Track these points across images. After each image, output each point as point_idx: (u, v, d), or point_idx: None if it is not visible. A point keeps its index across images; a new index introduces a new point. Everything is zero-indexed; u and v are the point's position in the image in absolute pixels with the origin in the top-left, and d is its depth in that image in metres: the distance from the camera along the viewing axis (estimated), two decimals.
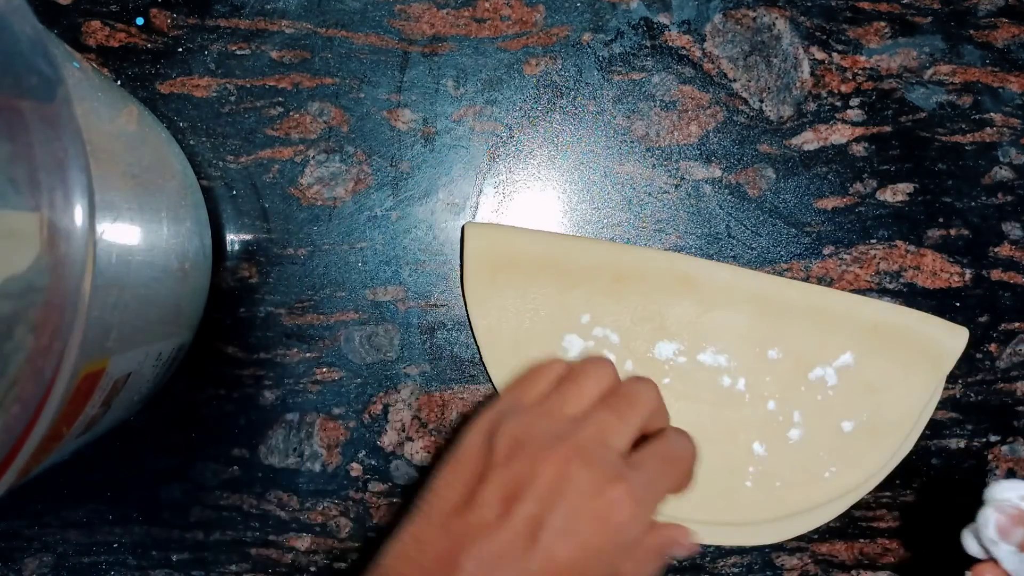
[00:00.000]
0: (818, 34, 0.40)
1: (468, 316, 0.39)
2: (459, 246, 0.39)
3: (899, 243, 0.40)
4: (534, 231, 0.39)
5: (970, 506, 0.40)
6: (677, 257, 0.39)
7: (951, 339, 0.39)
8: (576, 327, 0.39)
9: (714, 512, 0.39)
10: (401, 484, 0.39)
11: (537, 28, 0.40)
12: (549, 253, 0.39)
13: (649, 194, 0.40)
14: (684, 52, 0.40)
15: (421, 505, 0.31)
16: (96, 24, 0.39)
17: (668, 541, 0.32)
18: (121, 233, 0.26)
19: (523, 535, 0.28)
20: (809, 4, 0.40)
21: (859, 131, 0.40)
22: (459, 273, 0.39)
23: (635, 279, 0.39)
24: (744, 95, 0.40)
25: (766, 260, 0.40)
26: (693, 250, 0.40)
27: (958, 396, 0.40)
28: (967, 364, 0.40)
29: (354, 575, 0.39)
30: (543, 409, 0.32)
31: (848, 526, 0.40)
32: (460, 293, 0.39)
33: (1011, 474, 0.40)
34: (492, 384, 0.39)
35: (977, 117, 0.40)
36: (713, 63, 0.40)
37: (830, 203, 0.40)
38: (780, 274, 0.40)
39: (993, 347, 0.40)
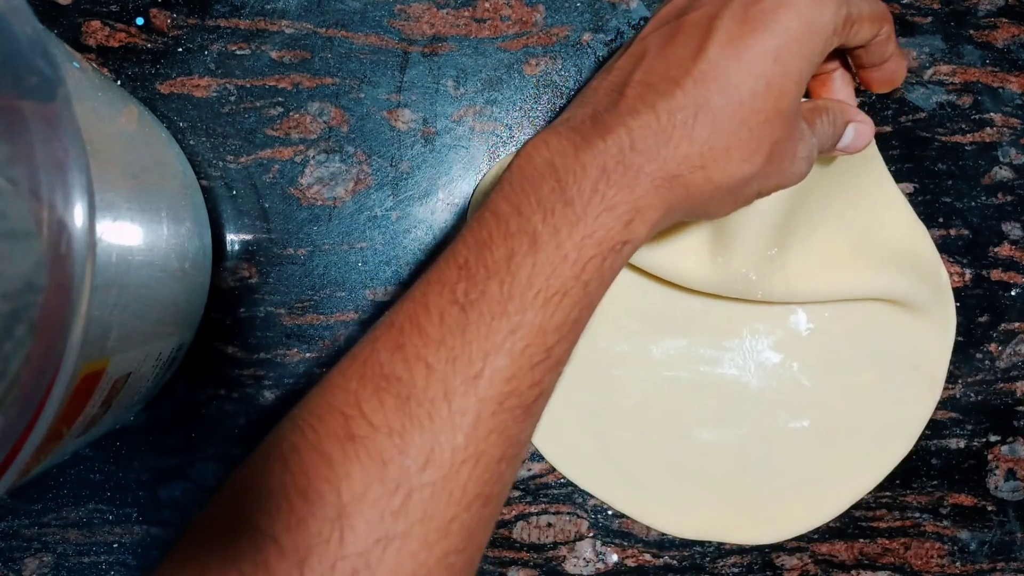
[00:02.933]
0: None
1: None
2: None
3: None
4: None
5: (970, 505, 0.40)
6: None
7: (938, 340, 0.39)
8: None
9: (710, 510, 0.39)
10: None
11: (537, 28, 0.40)
12: None
13: None
14: None
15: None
16: (96, 24, 0.39)
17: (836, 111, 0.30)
18: (121, 233, 0.26)
19: (697, 35, 0.26)
20: None
21: None
22: None
23: (638, 273, 0.39)
24: None
25: None
26: None
27: (958, 396, 0.40)
28: (967, 364, 0.40)
29: None
30: None
31: (848, 526, 0.40)
32: None
33: (1011, 474, 0.40)
34: None
35: (977, 117, 0.40)
36: None
37: None
38: None
39: (993, 347, 0.40)
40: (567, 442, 0.39)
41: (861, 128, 0.31)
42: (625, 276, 0.39)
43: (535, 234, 0.24)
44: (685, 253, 0.36)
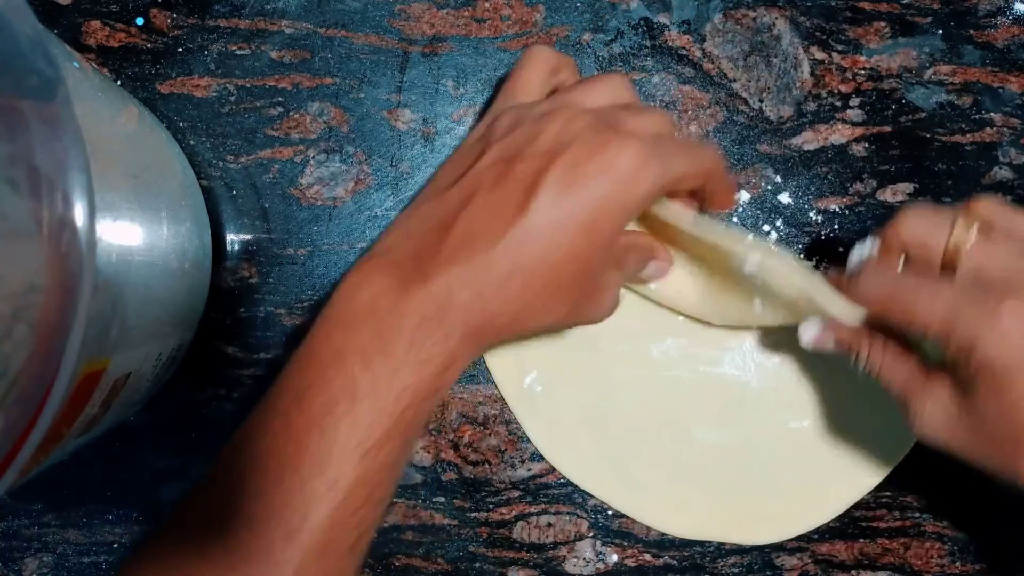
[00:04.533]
0: (818, 34, 0.40)
1: None
2: None
3: None
4: None
5: (970, 505, 0.40)
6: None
7: None
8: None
9: (710, 510, 0.39)
10: (401, 484, 0.39)
11: (537, 28, 0.40)
12: None
13: None
14: (684, 52, 0.40)
15: (414, 200, 0.30)
16: (96, 24, 0.39)
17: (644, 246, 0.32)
18: (121, 233, 0.26)
19: (520, 191, 0.27)
20: (809, 4, 0.40)
21: (859, 131, 0.40)
22: None
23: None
24: (744, 95, 0.40)
25: None
26: None
27: None
28: None
29: None
30: (545, 106, 0.30)
31: (848, 526, 0.40)
32: None
33: None
34: (491, 380, 0.39)
35: (977, 117, 0.40)
36: (713, 63, 0.40)
37: (830, 203, 0.40)
38: None
39: None
40: (567, 442, 0.39)
41: (661, 265, 0.35)
42: None
43: (355, 386, 0.26)
44: (683, 291, 0.37)
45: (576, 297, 0.28)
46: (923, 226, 0.30)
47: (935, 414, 0.29)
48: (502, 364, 0.39)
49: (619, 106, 0.30)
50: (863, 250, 0.33)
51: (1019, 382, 0.27)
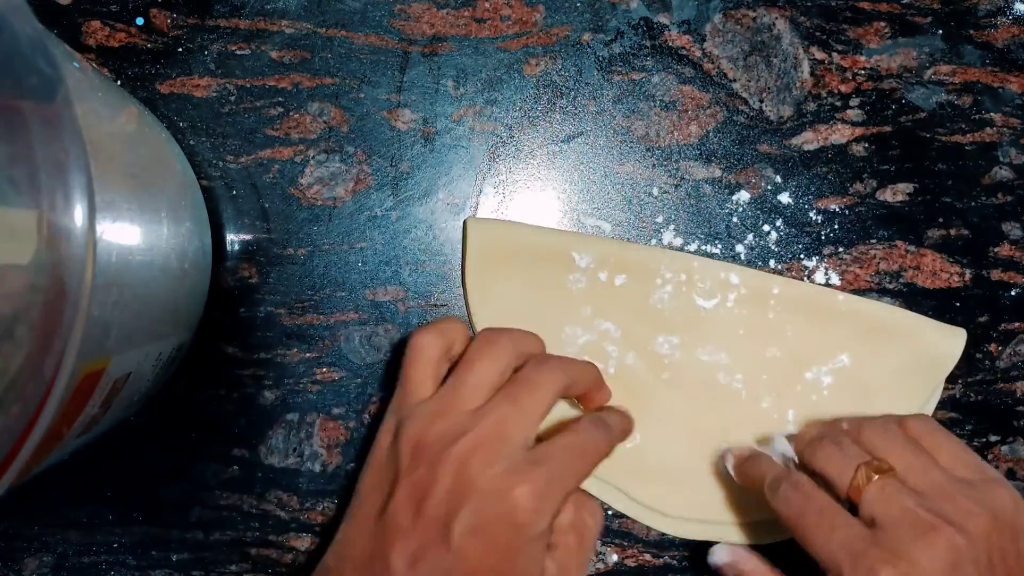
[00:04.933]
0: (818, 34, 0.40)
1: (468, 311, 0.39)
2: (459, 245, 0.39)
3: (899, 243, 0.40)
4: (534, 226, 0.39)
5: None
6: (677, 254, 0.39)
7: (949, 342, 0.39)
8: (577, 319, 0.39)
9: (709, 510, 0.39)
10: None
11: (537, 28, 0.40)
12: (550, 246, 0.39)
13: (649, 194, 0.40)
14: (684, 52, 0.40)
15: (352, 508, 0.32)
16: (96, 24, 0.39)
17: (580, 524, 0.32)
18: (121, 233, 0.26)
19: (436, 536, 0.29)
20: (809, 4, 0.40)
21: (859, 131, 0.40)
22: (459, 273, 0.39)
23: (635, 274, 0.39)
24: (744, 95, 0.40)
25: (766, 260, 0.40)
26: (693, 250, 0.40)
27: (958, 396, 0.40)
28: (967, 364, 0.40)
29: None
30: (439, 405, 0.32)
31: None
32: (460, 293, 0.39)
33: (1011, 474, 0.40)
34: None
35: (977, 117, 0.40)
36: (713, 63, 0.40)
37: (830, 203, 0.40)
38: (780, 274, 0.40)
39: (993, 347, 0.40)
40: None
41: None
42: (627, 282, 0.39)
43: None
44: None
45: None
46: (829, 463, 0.33)
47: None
48: None
49: (509, 396, 0.32)
50: (784, 449, 0.36)
51: None
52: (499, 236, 0.39)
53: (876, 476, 0.31)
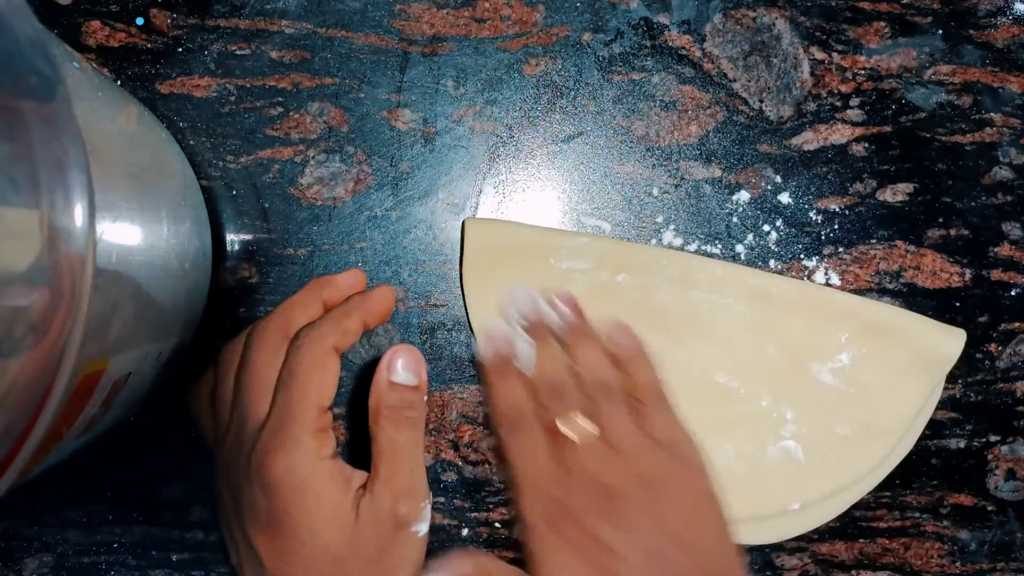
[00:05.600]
0: (818, 34, 0.40)
1: (467, 311, 0.39)
2: (459, 245, 0.39)
3: (899, 243, 0.40)
4: (533, 226, 0.39)
5: (970, 505, 0.40)
6: (676, 254, 0.39)
7: (948, 342, 0.39)
8: None
9: None
10: None
11: (537, 28, 0.40)
12: (548, 247, 0.39)
13: (649, 194, 0.40)
14: (684, 52, 0.40)
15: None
16: (96, 24, 0.39)
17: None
18: (121, 233, 0.26)
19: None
20: (809, 4, 0.40)
21: (859, 131, 0.40)
22: (459, 273, 0.39)
23: (634, 274, 0.39)
24: (744, 95, 0.40)
25: (766, 260, 0.40)
26: (693, 250, 0.40)
27: (958, 396, 0.40)
28: (967, 364, 0.40)
29: None
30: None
31: (848, 526, 0.40)
32: (460, 293, 0.39)
33: (1011, 474, 0.40)
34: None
35: (977, 117, 0.40)
36: (713, 63, 0.40)
37: (830, 203, 0.40)
38: (780, 273, 0.40)
39: (993, 347, 0.40)
40: None
41: None
42: (627, 281, 0.39)
43: None
44: None
45: None
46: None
47: None
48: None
49: None
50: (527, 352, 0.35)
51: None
52: (498, 236, 0.39)
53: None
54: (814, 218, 0.40)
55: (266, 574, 0.28)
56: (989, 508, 0.40)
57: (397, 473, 0.30)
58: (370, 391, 0.31)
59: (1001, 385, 0.40)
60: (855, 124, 0.40)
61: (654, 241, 0.40)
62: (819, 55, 0.40)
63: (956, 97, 0.40)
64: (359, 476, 0.30)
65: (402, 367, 0.31)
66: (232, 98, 0.39)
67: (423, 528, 0.30)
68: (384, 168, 0.39)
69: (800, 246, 0.40)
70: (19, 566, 0.39)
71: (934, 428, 0.40)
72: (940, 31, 0.40)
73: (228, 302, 0.39)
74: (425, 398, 0.32)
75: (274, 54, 0.39)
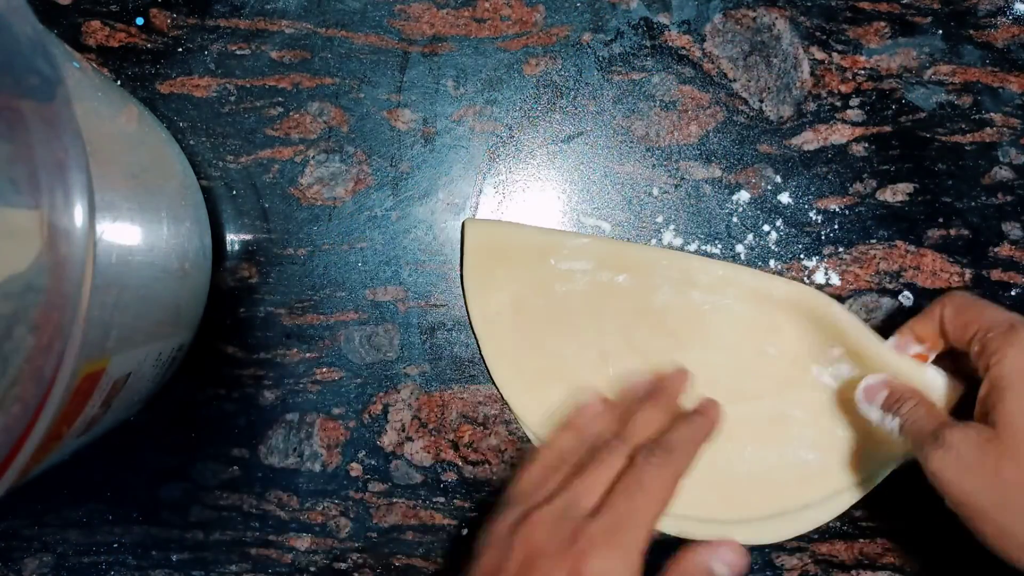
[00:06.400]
0: (818, 34, 0.40)
1: (467, 311, 0.39)
2: (459, 245, 0.39)
3: (899, 243, 0.40)
4: (533, 227, 0.39)
5: None
6: (676, 254, 0.39)
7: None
8: (578, 319, 0.39)
9: (710, 509, 0.39)
10: (401, 484, 0.39)
11: (537, 28, 0.40)
12: (548, 247, 0.39)
13: (649, 194, 0.40)
14: (684, 52, 0.40)
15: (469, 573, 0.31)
16: (96, 24, 0.39)
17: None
18: (121, 233, 0.26)
19: None
20: (809, 4, 0.40)
21: (859, 131, 0.40)
22: (459, 272, 0.39)
23: (635, 275, 0.39)
24: (744, 95, 0.40)
25: (766, 260, 0.40)
26: (693, 250, 0.40)
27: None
28: (967, 364, 0.40)
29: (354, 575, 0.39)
30: (555, 510, 0.31)
31: (848, 526, 0.40)
32: (460, 293, 0.39)
33: None
34: (491, 380, 0.39)
35: (977, 117, 0.40)
36: (713, 63, 0.40)
37: (830, 203, 0.40)
38: (780, 274, 0.40)
39: None
40: None
41: None
42: (627, 282, 0.39)
43: None
44: None
45: None
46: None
47: (956, 454, 0.30)
48: (500, 357, 0.39)
49: (625, 497, 0.31)
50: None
51: None
52: (498, 236, 0.39)
53: None
54: (814, 218, 0.40)
55: None
56: None
57: None
58: (684, 560, 0.31)
59: None
60: (855, 124, 0.40)
61: (654, 241, 0.40)
62: (819, 55, 0.40)
63: (956, 97, 0.40)
64: None
65: (724, 564, 0.31)
66: (232, 98, 0.39)
67: None
68: (384, 168, 0.39)
69: (800, 246, 0.40)
70: (19, 566, 0.39)
71: None
72: (940, 31, 0.40)
73: (228, 302, 0.39)
74: None
75: (274, 54, 0.39)
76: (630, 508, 0.30)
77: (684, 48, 0.40)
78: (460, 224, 0.39)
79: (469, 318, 0.39)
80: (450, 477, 0.39)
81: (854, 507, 0.39)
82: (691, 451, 0.33)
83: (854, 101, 0.40)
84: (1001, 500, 0.29)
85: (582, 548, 0.29)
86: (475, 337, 0.39)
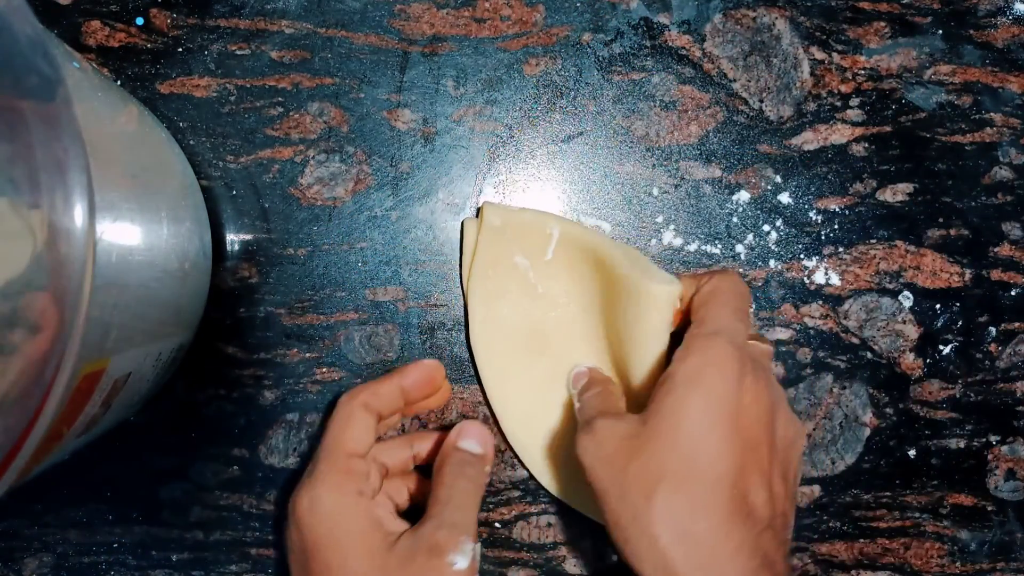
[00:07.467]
0: (818, 34, 0.40)
1: (466, 310, 0.39)
2: (459, 245, 0.39)
3: (899, 243, 0.40)
4: (538, 211, 0.39)
5: (970, 505, 0.40)
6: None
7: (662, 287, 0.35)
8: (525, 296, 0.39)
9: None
10: None
11: (537, 28, 0.40)
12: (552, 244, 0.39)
13: (649, 194, 0.40)
14: (684, 52, 0.40)
15: None
16: (96, 24, 0.39)
17: None
18: (121, 233, 0.26)
19: None
20: (809, 4, 0.40)
21: (859, 131, 0.40)
22: (459, 273, 0.39)
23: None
24: (744, 95, 0.40)
25: (766, 260, 0.40)
26: (693, 250, 0.40)
27: (958, 396, 0.40)
28: (967, 364, 0.40)
29: None
30: None
31: (848, 526, 0.40)
32: (460, 293, 0.39)
33: (1011, 474, 0.40)
34: (478, 381, 0.39)
35: (977, 117, 0.40)
36: (713, 63, 0.40)
37: (830, 203, 0.40)
38: (780, 273, 0.40)
39: (993, 347, 0.40)
40: (560, 460, 0.39)
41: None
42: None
43: None
44: None
45: None
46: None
47: (597, 442, 0.31)
48: (492, 356, 0.39)
49: None
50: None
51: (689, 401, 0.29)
52: (508, 224, 0.38)
53: None
54: (814, 218, 0.40)
55: None
56: (989, 508, 0.40)
57: (444, 510, 0.32)
58: (438, 454, 0.35)
59: (1001, 385, 0.40)
60: (855, 124, 0.40)
61: (654, 241, 0.40)
62: (819, 55, 0.40)
63: (956, 97, 0.40)
64: (399, 523, 0.33)
65: (469, 437, 0.35)
66: (232, 98, 0.39)
67: (459, 562, 0.30)
68: (384, 168, 0.39)
69: (800, 246, 0.40)
70: (19, 566, 0.39)
71: (934, 428, 0.40)
72: (940, 31, 0.40)
73: (228, 302, 0.39)
74: (488, 468, 0.35)
75: (274, 54, 0.39)
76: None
77: (684, 48, 0.40)
78: (460, 224, 0.39)
79: (468, 317, 0.39)
80: None
81: (854, 507, 0.39)
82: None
83: (854, 101, 0.40)
84: (621, 493, 0.29)
85: None
86: (467, 339, 0.39)
